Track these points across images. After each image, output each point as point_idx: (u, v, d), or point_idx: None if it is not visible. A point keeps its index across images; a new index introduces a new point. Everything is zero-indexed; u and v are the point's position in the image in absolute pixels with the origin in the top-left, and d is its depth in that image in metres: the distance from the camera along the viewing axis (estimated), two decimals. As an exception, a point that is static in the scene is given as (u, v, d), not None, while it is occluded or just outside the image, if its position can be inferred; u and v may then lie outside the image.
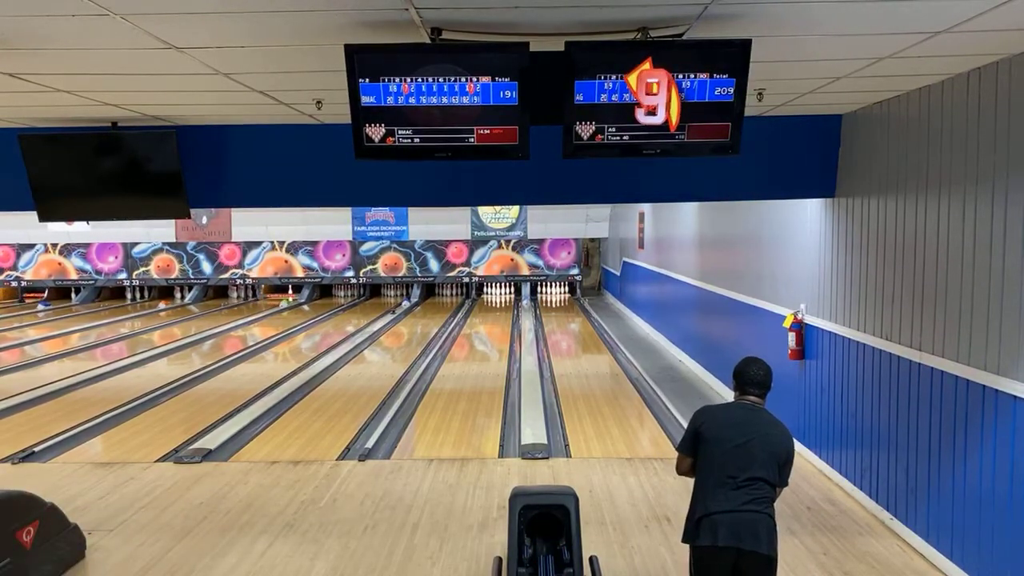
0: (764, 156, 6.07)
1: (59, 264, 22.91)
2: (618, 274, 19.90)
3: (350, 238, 21.08)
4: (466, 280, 22.71)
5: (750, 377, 3.70)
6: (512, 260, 22.62)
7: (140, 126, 5.92)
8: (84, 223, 18.34)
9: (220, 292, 23.82)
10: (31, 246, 22.67)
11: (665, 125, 3.87)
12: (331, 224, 20.73)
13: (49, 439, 8.14)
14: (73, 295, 23.45)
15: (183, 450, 7.75)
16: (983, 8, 3.38)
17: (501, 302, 22.18)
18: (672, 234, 13.18)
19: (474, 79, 3.77)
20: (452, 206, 18.64)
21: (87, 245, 22.52)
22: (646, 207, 15.51)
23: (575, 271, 22.81)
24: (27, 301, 23.36)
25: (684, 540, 3.68)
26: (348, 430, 8.40)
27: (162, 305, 22.42)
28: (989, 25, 3.61)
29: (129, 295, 23.28)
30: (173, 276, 22.84)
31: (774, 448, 3.56)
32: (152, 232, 21.03)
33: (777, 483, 3.58)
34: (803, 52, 4.20)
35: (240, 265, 22.64)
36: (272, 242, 22.29)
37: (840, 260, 6.39)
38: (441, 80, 3.77)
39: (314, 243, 22.25)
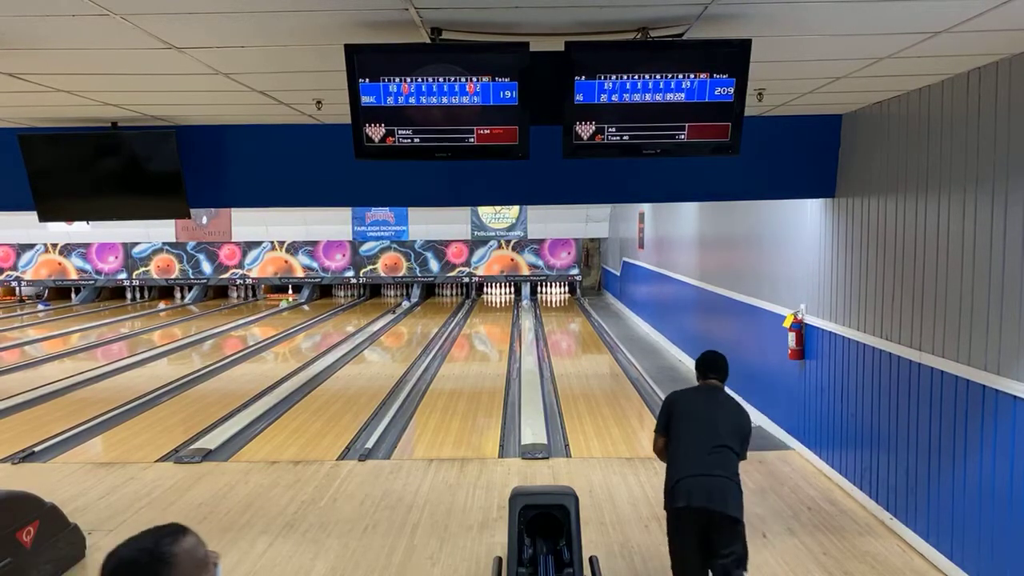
0: (764, 156, 6.07)
1: (59, 264, 22.92)
2: (618, 274, 19.90)
3: (350, 238, 21.09)
4: (466, 280, 22.71)
5: (711, 364, 4.25)
6: (512, 260, 22.62)
7: (140, 126, 5.92)
8: (84, 223, 18.36)
9: (220, 292, 23.83)
10: (31, 246, 22.69)
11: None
12: (331, 224, 20.75)
13: (49, 439, 8.14)
14: (73, 295, 23.47)
15: (183, 450, 7.75)
16: (983, 8, 3.38)
17: (501, 302, 22.18)
18: (672, 234, 13.18)
19: (474, 79, 3.77)
20: (452, 206, 18.64)
21: (87, 245, 22.54)
22: (646, 207, 15.51)
23: (575, 271, 22.81)
24: (26, 301, 23.38)
25: (664, 507, 4.05)
26: (348, 430, 8.40)
27: (162, 305, 22.43)
28: (989, 25, 3.61)
29: (129, 295, 23.29)
30: (173, 276, 22.85)
31: (736, 420, 4.05)
32: (152, 232, 21.04)
33: (739, 452, 3.99)
34: (803, 52, 4.20)
35: (240, 265, 22.65)
36: (272, 242, 22.30)
37: (840, 260, 6.39)
38: (441, 80, 3.77)
39: (314, 243, 22.26)
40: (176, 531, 1.64)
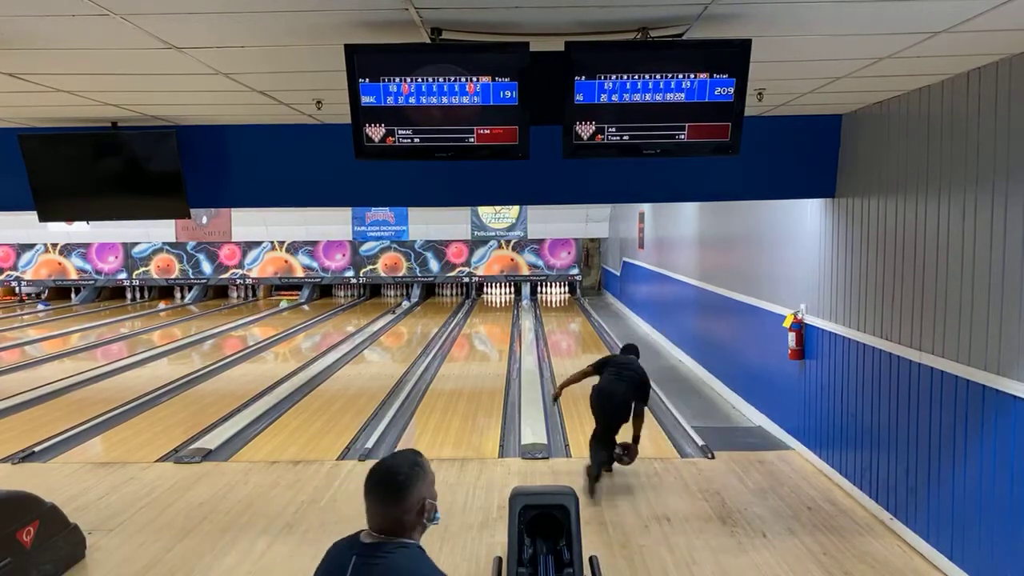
0: (764, 156, 6.07)
1: (59, 264, 22.93)
2: (618, 274, 19.91)
3: (350, 238, 21.09)
4: (466, 280, 22.72)
5: (627, 347, 7.39)
6: (512, 260, 22.62)
7: (140, 126, 5.92)
8: (84, 223, 18.37)
9: (220, 292, 23.83)
10: (31, 246, 22.69)
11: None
12: (331, 224, 20.75)
13: (49, 439, 8.14)
14: (73, 295, 23.47)
15: (183, 450, 7.75)
16: (983, 8, 3.38)
17: (501, 302, 22.18)
18: (672, 234, 13.18)
19: (474, 79, 3.77)
20: (452, 206, 18.64)
21: (87, 245, 22.54)
22: (646, 207, 15.51)
23: (575, 271, 22.82)
24: (26, 301, 23.39)
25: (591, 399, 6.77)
26: (348, 430, 8.40)
27: (162, 305, 22.43)
28: (989, 25, 3.61)
29: (129, 295, 23.30)
30: (173, 276, 22.86)
31: (638, 369, 6.86)
32: (152, 232, 21.04)
33: (640, 382, 6.76)
34: (803, 52, 4.20)
35: (240, 265, 22.66)
36: (272, 242, 22.30)
37: (840, 260, 6.39)
38: (441, 80, 3.77)
39: (314, 243, 22.26)
40: (419, 452, 2.21)
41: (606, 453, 6.70)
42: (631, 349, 7.32)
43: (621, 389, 6.66)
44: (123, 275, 22.90)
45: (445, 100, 3.83)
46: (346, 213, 20.22)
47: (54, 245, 22.64)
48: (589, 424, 8.57)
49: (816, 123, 6.18)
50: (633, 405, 6.71)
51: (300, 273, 22.63)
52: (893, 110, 5.49)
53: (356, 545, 2.11)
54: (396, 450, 2.26)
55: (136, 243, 22.34)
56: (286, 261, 22.58)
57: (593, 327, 16.59)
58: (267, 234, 21.59)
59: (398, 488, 2.09)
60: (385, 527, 2.10)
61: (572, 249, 22.64)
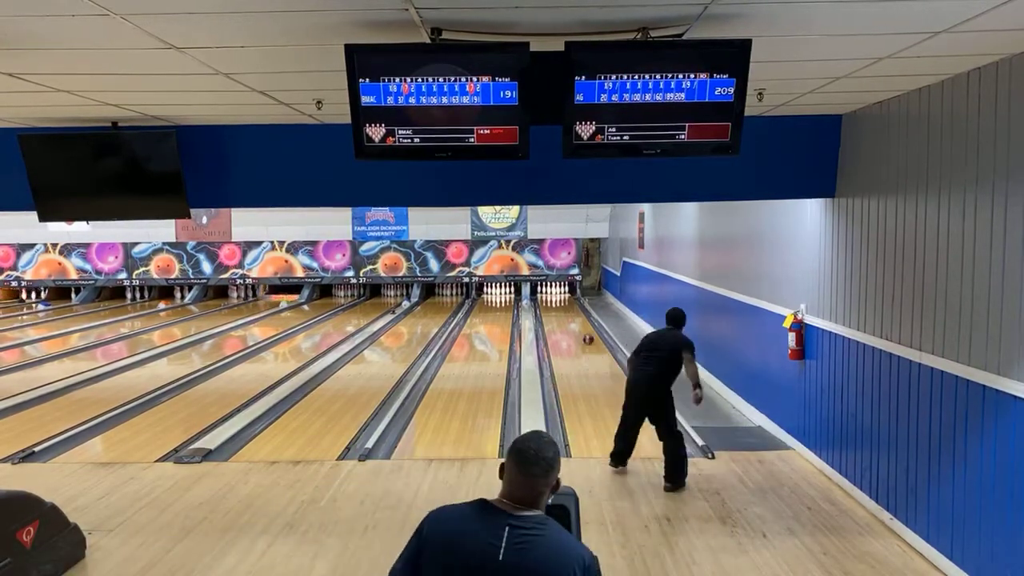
0: (764, 156, 6.06)
1: (59, 264, 22.93)
2: (618, 274, 19.90)
3: (350, 238, 21.09)
4: (466, 280, 22.72)
5: (669, 315, 7.04)
6: (512, 260, 22.63)
7: (140, 126, 5.92)
8: (84, 223, 18.37)
9: (220, 292, 23.83)
10: (31, 246, 22.69)
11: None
12: (331, 224, 20.76)
13: (49, 439, 8.14)
14: (73, 295, 23.46)
15: (183, 450, 7.74)
16: (983, 8, 3.38)
17: (501, 302, 22.18)
18: (672, 234, 13.18)
19: (474, 79, 3.77)
20: (452, 206, 18.65)
21: (87, 245, 22.54)
22: (646, 207, 15.51)
23: (575, 271, 22.82)
24: (25, 301, 23.38)
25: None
26: (348, 430, 8.40)
27: (162, 305, 22.43)
28: (989, 25, 3.61)
29: (129, 295, 23.30)
30: (173, 276, 22.86)
31: (669, 340, 6.79)
32: (152, 232, 21.04)
33: (667, 356, 6.69)
34: (803, 52, 4.20)
35: (240, 265, 22.66)
36: (272, 242, 22.30)
37: (840, 260, 6.39)
38: (441, 80, 3.77)
39: (314, 243, 22.26)
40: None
41: (624, 444, 6.90)
42: (671, 318, 6.99)
43: (648, 374, 6.66)
44: (123, 275, 22.90)
45: (445, 100, 3.83)
46: (346, 213, 20.22)
47: (54, 245, 22.64)
48: (589, 423, 8.62)
49: (816, 123, 6.18)
50: (681, 366, 6.73)
51: (300, 273, 22.63)
52: (893, 110, 5.49)
53: (498, 513, 2.25)
54: (534, 431, 2.41)
55: (136, 243, 22.34)
56: (286, 261, 22.58)
57: (593, 327, 16.59)
58: (267, 234, 21.60)
59: (549, 465, 2.28)
60: (526, 498, 2.26)
61: (572, 249, 22.64)
